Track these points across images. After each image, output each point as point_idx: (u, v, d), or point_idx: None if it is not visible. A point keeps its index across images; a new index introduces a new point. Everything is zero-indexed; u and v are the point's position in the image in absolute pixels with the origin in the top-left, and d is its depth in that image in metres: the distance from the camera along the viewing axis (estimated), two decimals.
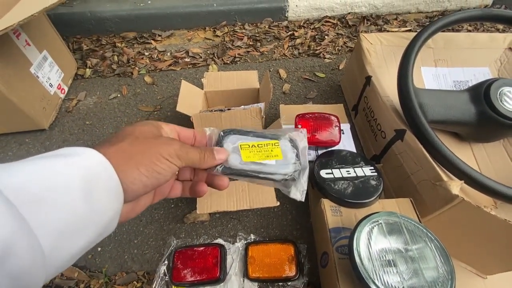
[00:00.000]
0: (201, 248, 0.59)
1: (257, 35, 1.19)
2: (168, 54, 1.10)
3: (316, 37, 1.19)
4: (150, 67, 1.04)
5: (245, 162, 0.30)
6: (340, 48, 1.14)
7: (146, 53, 1.10)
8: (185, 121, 0.65)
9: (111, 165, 0.22)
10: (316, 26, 1.24)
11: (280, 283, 0.56)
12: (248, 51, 1.13)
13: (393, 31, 1.23)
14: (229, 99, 0.85)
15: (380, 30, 1.24)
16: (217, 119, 0.67)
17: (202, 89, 0.81)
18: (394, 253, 0.43)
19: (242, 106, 0.69)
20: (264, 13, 1.24)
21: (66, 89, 0.94)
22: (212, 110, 0.68)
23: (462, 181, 0.50)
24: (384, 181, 0.59)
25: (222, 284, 0.56)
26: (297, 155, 0.32)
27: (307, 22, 1.27)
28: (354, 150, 0.66)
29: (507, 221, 0.45)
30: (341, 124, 0.68)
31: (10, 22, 0.62)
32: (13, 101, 0.74)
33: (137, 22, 1.17)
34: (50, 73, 0.87)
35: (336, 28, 1.24)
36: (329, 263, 0.49)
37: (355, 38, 1.19)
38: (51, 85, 0.86)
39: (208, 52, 1.12)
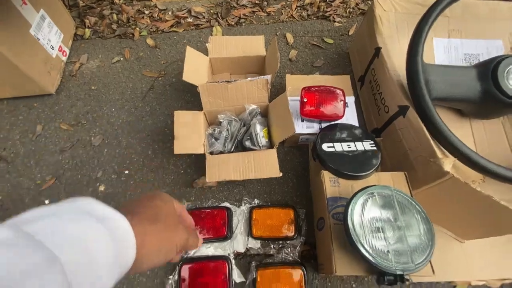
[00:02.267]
0: (210, 210, 0.65)
1: None
2: (170, 13, 1.04)
3: None
4: (151, 28, 1.00)
5: None
6: (351, 10, 1.07)
7: (146, 12, 1.04)
8: (191, 88, 0.66)
9: (140, 255, 0.25)
10: None
11: (280, 241, 0.63)
12: (254, 11, 1.06)
13: None
14: (234, 66, 0.84)
15: None
16: (223, 90, 0.68)
17: (207, 54, 0.79)
18: (384, 221, 0.48)
19: (249, 78, 0.68)
20: None
21: (67, 51, 0.91)
22: (218, 81, 0.68)
23: (455, 159, 0.53)
24: (383, 155, 0.63)
25: (229, 241, 0.63)
26: None
27: None
28: (357, 124, 0.68)
29: (490, 196, 0.49)
30: (346, 97, 0.69)
31: None
32: (19, 66, 0.73)
33: None
34: (50, 34, 0.84)
35: None
36: (325, 227, 0.55)
37: None
38: (52, 47, 0.84)
39: (211, 11, 1.06)
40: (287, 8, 1.08)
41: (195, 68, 0.73)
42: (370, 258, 0.45)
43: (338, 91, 0.67)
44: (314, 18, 1.05)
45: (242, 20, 1.04)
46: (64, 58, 0.90)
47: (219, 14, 1.05)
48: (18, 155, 0.75)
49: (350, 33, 0.99)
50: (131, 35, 0.98)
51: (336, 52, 0.94)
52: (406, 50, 0.60)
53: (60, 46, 0.88)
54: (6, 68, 0.73)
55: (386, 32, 0.73)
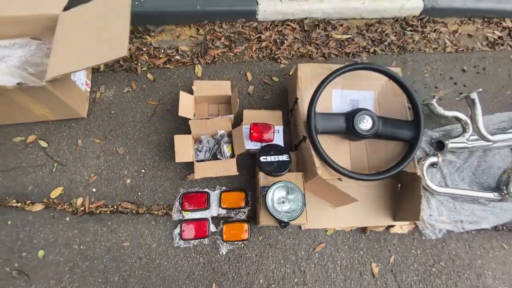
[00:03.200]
0: (197, 193, 1.13)
1: (232, 35, 1.52)
2: (162, 51, 1.42)
3: (278, 40, 1.55)
4: (149, 64, 1.38)
5: None
6: (294, 53, 1.53)
7: (144, 49, 1.41)
8: (182, 118, 1.10)
9: None
10: (279, 29, 1.58)
11: (236, 209, 1.13)
12: (224, 52, 1.48)
13: (336, 38, 1.61)
14: (210, 100, 1.28)
15: (327, 37, 1.61)
16: (205, 123, 1.13)
17: (192, 90, 1.22)
18: (284, 197, 1.00)
19: (220, 116, 1.14)
20: (239, 15, 1.53)
21: (90, 83, 1.28)
22: (201, 119, 1.12)
23: (325, 167, 1.05)
24: (293, 162, 1.14)
25: (208, 210, 1.12)
26: None
27: (272, 24, 1.59)
28: (282, 145, 1.18)
29: (334, 186, 1.02)
30: (277, 127, 1.18)
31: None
32: (64, 100, 1.10)
33: (133, 18, 1.42)
34: (80, 74, 1.20)
35: (295, 31, 1.59)
36: (258, 201, 1.06)
37: (307, 43, 1.57)
38: (82, 84, 1.21)
39: (193, 50, 1.45)
40: (249, 49, 1.51)
41: (186, 106, 1.16)
42: (276, 214, 0.97)
43: (271, 125, 1.15)
44: (267, 59, 1.50)
45: (216, 59, 1.45)
46: (88, 89, 1.27)
47: (199, 54, 1.45)
48: (69, 160, 1.15)
49: (290, 73, 1.46)
50: (135, 70, 1.36)
51: (280, 89, 1.41)
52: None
53: (86, 81, 1.24)
54: (56, 102, 1.10)
55: (303, 87, 1.21)
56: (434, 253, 1.19)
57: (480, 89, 1.27)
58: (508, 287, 1.18)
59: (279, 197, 1.02)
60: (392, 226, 1.19)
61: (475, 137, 1.32)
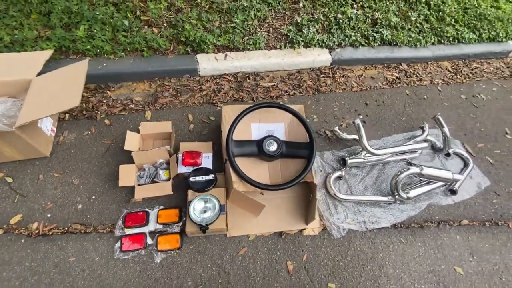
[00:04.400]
0: (138, 212, 1.36)
1: (179, 87, 1.92)
2: (119, 102, 1.78)
3: (216, 89, 1.96)
4: (108, 112, 1.71)
5: None
6: (229, 98, 1.93)
7: (104, 101, 1.76)
8: (129, 151, 1.39)
9: None
10: (217, 81, 2.00)
11: (171, 224, 1.36)
12: (172, 100, 1.85)
13: (263, 85, 2.05)
14: (154, 136, 1.59)
15: (256, 85, 2.05)
16: (146, 155, 1.42)
17: (139, 132, 1.53)
18: (204, 207, 1.26)
19: (157, 148, 1.44)
20: (184, 72, 1.96)
21: (55, 129, 1.58)
22: (143, 150, 1.42)
23: (241, 182, 1.33)
24: (222, 180, 1.42)
25: (146, 226, 1.34)
26: None
27: (212, 77, 2.02)
28: (211, 168, 1.47)
29: (247, 195, 1.30)
30: (207, 154, 1.48)
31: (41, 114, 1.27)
32: (31, 143, 1.38)
33: (97, 77, 1.80)
34: (46, 122, 1.50)
35: (230, 82, 2.02)
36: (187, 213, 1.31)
37: (240, 90, 1.98)
38: (47, 130, 1.50)
39: (145, 100, 1.82)
40: (192, 97, 1.89)
41: (132, 142, 1.46)
42: (197, 221, 1.21)
43: (200, 152, 1.46)
44: (207, 104, 1.87)
45: (164, 106, 1.81)
46: (53, 134, 1.56)
47: (150, 102, 1.81)
48: (30, 192, 1.37)
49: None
50: (95, 117, 1.68)
51: (215, 125, 1.76)
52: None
53: (52, 128, 1.54)
54: (23, 144, 1.37)
55: (226, 123, 1.55)
56: (341, 250, 1.42)
57: (361, 116, 1.67)
58: (407, 275, 1.40)
59: (201, 207, 1.27)
60: (305, 229, 1.43)
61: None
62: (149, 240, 1.30)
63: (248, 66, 2.07)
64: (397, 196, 1.57)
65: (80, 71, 1.36)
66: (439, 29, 2.56)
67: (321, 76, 2.20)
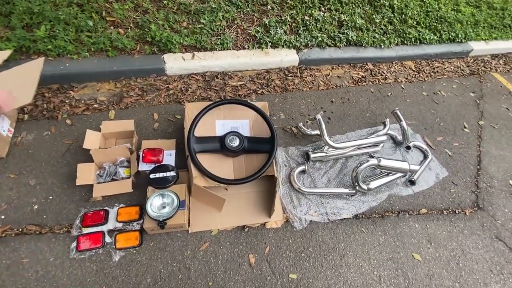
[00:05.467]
0: (99, 211, 1.34)
1: (145, 86, 1.91)
2: (82, 102, 1.75)
3: (183, 88, 1.97)
4: (70, 112, 1.69)
5: None
6: (196, 97, 1.94)
7: (67, 101, 1.73)
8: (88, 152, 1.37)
9: None
10: (185, 81, 2.02)
11: (131, 221, 1.34)
12: (137, 99, 1.85)
13: (232, 84, 2.08)
14: (116, 135, 1.58)
15: (224, 84, 2.07)
16: (105, 153, 1.41)
17: (100, 131, 1.52)
18: (163, 203, 1.26)
19: (117, 145, 1.43)
20: (150, 72, 1.96)
21: (13, 130, 1.53)
22: (102, 148, 1.41)
23: (202, 177, 1.35)
24: (180, 177, 1.42)
25: (105, 225, 1.32)
26: None
27: (180, 76, 2.03)
28: (174, 165, 1.47)
29: (207, 190, 1.31)
30: (169, 151, 1.48)
31: None
32: None
33: (60, 78, 1.77)
34: (3, 122, 1.46)
35: (198, 82, 2.04)
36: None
37: (208, 89, 2.00)
38: (4, 131, 1.46)
39: (110, 100, 1.80)
40: (158, 96, 1.89)
41: (92, 140, 1.45)
42: (154, 217, 1.20)
43: (161, 149, 1.46)
44: (173, 103, 1.88)
45: (129, 105, 1.81)
46: (11, 135, 1.51)
47: (115, 102, 1.80)
48: None
49: None
50: (56, 117, 1.65)
51: (180, 124, 1.77)
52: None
53: (9, 128, 1.50)
54: None
55: (189, 120, 1.57)
56: (303, 241, 1.45)
57: (322, 112, 1.72)
58: (367, 263, 1.44)
59: (159, 203, 1.27)
60: (267, 222, 1.46)
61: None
62: (108, 239, 1.29)
63: (216, 66, 2.09)
64: (358, 188, 1.63)
65: (35, 69, 1.34)
66: (402, 31, 2.69)
67: (289, 75, 2.26)
